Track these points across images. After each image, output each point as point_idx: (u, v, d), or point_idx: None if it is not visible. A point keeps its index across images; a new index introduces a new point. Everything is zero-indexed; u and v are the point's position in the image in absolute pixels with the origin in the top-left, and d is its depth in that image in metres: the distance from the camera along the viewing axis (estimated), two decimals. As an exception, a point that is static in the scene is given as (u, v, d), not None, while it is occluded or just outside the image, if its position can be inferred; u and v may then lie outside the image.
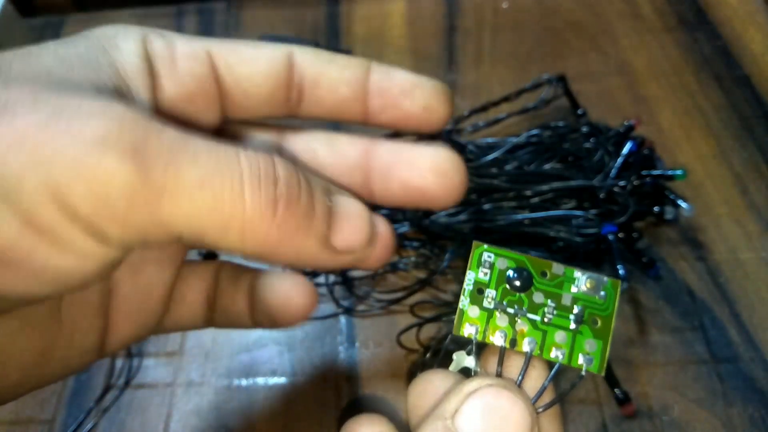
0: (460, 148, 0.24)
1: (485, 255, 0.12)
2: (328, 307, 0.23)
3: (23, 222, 0.08)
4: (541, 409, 0.11)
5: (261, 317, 0.14)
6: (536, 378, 0.11)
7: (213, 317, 0.14)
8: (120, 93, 0.10)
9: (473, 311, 0.12)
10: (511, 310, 0.12)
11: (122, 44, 0.11)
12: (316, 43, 0.31)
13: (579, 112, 0.27)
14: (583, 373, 0.11)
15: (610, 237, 0.21)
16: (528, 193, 0.23)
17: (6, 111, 0.08)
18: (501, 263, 0.12)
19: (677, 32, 0.31)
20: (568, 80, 0.27)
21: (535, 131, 0.24)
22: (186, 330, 0.15)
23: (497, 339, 0.11)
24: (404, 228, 0.23)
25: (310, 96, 0.13)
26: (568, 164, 0.24)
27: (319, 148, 0.14)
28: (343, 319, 0.23)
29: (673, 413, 0.20)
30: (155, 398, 0.22)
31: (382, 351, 0.22)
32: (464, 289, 0.12)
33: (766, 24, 0.31)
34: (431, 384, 0.12)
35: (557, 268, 0.12)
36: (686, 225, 0.25)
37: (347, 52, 0.31)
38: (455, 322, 0.12)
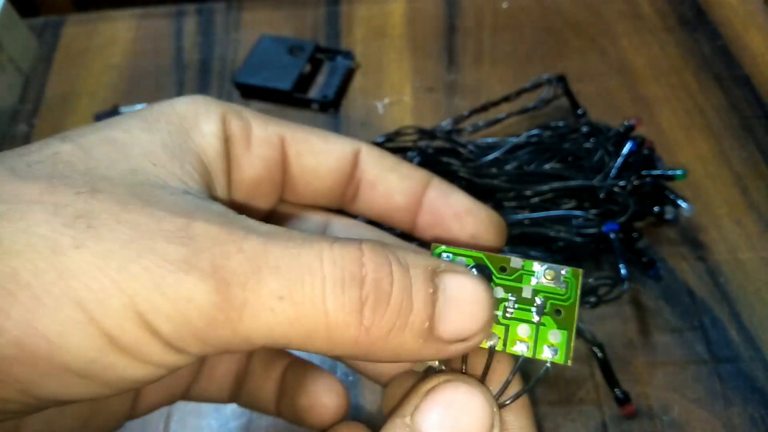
0: (460, 147, 0.24)
1: (444, 255, 0.12)
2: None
3: (105, 341, 0.09)
4: (508, 401, 0.11)
5: (286, 410, 0.13)
6: (501, 372, 0.11)
7: (239, 396, 0.14)
8: (203, 183, 0.11)
9: None
10: None
11: (204, 126, 0.11)
12: (316, 44, 0.31)
13: (579, 112, 0.27)
14: (549, 364, 0.11)
15: (612, 235, 0.21)
16: (528, 193, 0.23)
17: (91, 226, 0.09)
18: (460, 261, 0.12)
19: (677, 32, 0.31)
20: (568, 80, 0.27)
21: (535, 131, 0.24)
22: (210, 402, 0.15)
23: None
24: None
25: (365, 195, 0.13)
26: (568, 164, 0.24)
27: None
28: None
29: (673, 413, 0.20)
30: (155, 398, 0.22)
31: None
32: None
33: (766, 24, 0.31)
34: (404, 388, 0.12)
35: (515, 262, 0.12)
36: (686, 225, 0.25)
37: (348, 53, 0.31)
38: None
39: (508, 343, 0.11)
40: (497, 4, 0.34)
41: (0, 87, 0.31)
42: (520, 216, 0.22)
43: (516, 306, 0.11)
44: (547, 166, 0.23)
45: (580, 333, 0.21)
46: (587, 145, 0.23)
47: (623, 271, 0.20)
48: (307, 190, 0.13)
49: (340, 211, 0.14)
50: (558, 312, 0.11)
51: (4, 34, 0.31)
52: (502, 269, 0.12)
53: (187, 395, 0.14)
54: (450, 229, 0.13)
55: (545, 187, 0.22)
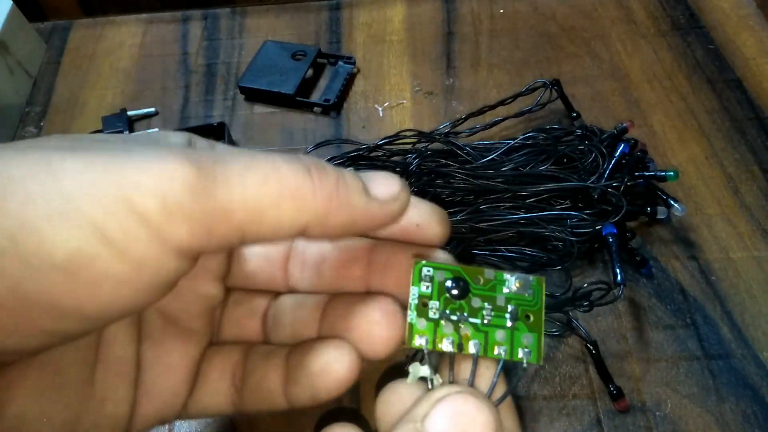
0: (458, 150, 0.25)
1: (425, 270, 0.13)
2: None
3: (92, 231, 0.09)
4: (496, 403, 0.12)
5: (298, 391, 0.13)
6: (489, 377, 0.12)
7: (242, 399, 0.14)
8: None
9: (421, 323, 0.12)
10: (454, 317, 0.12)
11: (172, 137, 0.12)
12: (318, 49, 0.32)
13: (573, 115, 0.28)
14: (525, 365, 0.12)
15: (610, 239, 0.21)
16: (524, 193, 0.23)
17: (80, 147, 0.10)
18: (439, 275, 0.13)
19: (670, 36, 0.32)
20: (563, 84, 0.28)
21: (530, 134, 0.25)
22: (213, 416, 0.15)
23: (446, 345, 0.12)
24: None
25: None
26: (562, 166, 0.24)
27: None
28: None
29: (666, 408, 0.21)
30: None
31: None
32: (410, 303, 0.12)
33: (758, 28, 0.32)
34: (398, 394, 0.12)
35: (488, 273, 0.13)
36: (678, 225, 0.25)
37: (349, 58, 0.32)
38: (405, 335, 0.12)
39: (488, 348, 0.12)
40: (494, 10, 0.34)
41: (8, 90, 0.31)
42: (516, 216, 0.23)
43: (492, 314, 0.13)
44: (542, 168, 0.24)
45: (574, 331, 0.22)
46: (581, 147, 0.24)
47: (619, 277, 0.20)
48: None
49: None
50: (528, 317, 0.13)
51: (12, 38, 0.32)
52: (477, 280, 0.13)
53: (186, 411, 0.14)
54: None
55: (540, 188, 0.23)
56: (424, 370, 0.12)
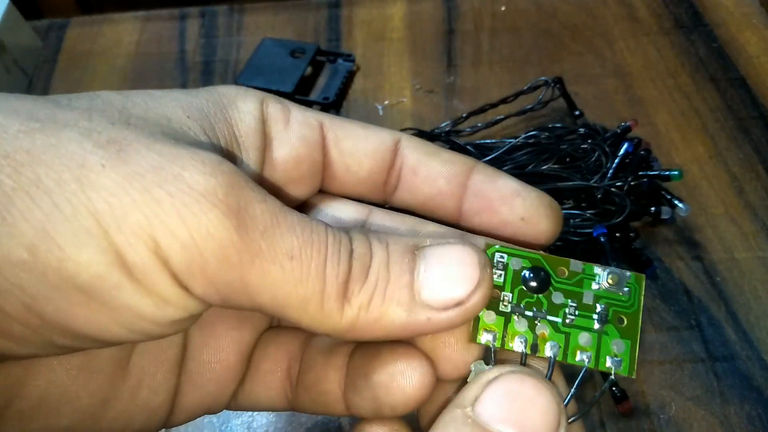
0: (459, 149, 0.24)
1: (498, 255, 0.11)
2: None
3: (114, 258, 0.08)
4: (572, 419, 0.10)
5: (359, 400, 0.11)
6: (560, 386, 0.11)
7: (296, 395, 0.12)
8: (231, 152, 0.11)
9: (489, 317, 0.11)
10: (529, 313, 0.11)
11: (241, 104, 0.11)
12: (317, 46, 0.32)
13: (576, 113, 0.27)
14: (613, 376, 0.11)
15: (602, 239, 0.21)
16: (526, 193, 0.23)
17: (122, 150, 0.09)
18: (515, 263, 0.11)
19: (673, 34, 0.32)
20: (566, 82, 0.27)
21: (532, 132, 0.25)
22: (265, 410, 0.13)
23: (517, 345, 0.11)
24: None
25: (406, 183, 0.13)
26: (565, 165, 0.24)
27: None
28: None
29: (670, 411, 0.21)
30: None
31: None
32: None
33: (761, 26, 0.32)
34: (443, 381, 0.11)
35: (575, 265, 0.11)
36: (683, 225, 0.25)
37: (348, 56, 0.32)
38: (470, 329, 0.11)
39: (568, 352, 0.11)
40: (495, 8, 0.34)
41: (4, 89, 0.31)
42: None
43: (576, 313, 0.11)
44: (544, 167, 0.23)
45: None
46: (584, 146, 0.24)
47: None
48: (347, 177, 0.12)
49: (380, 206, 0.13)
50: (621, 320, 0.11)
51: (8, 36, 0.31)
52: (561, 272, 0.11)
53: (236, 401, 0.13)
54: (498, 213, 0.12)
55: (543, 188, 0.23)
56: (488, 371, 0.11)
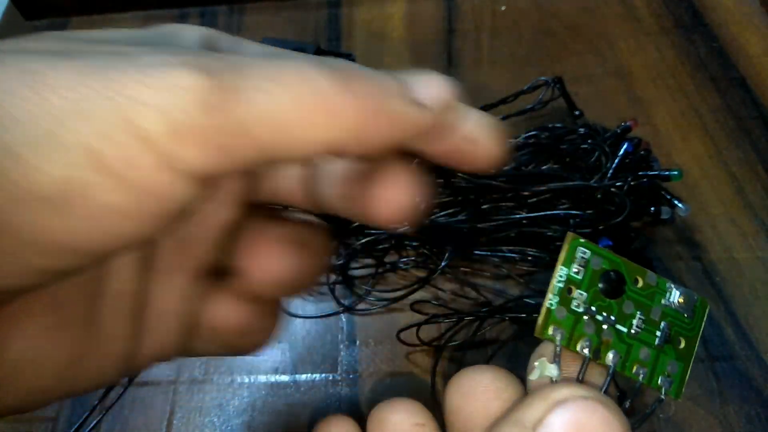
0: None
1: (580, 250, 0.10)
2: (328, 306, 0.23)
3: (84, 156, 0.08)
4: None
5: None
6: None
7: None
8: None
9: (560, 312, 0.10)
10: (599, 317, 0.10)
11: (187, 34, 0.11)
12: (318, 46, 0.32)
13: (576, 113, 0.27)
14: (663, 396, 0.11)
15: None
16: (526, 193, 0.23)
17: (69, 54, 0.08)
18: (595, 262, 0.11)
19: (673, 34, 0.32)
20: (566, 82, 0.27)
21: (532, 132, 0.25)
22: (222, 353, 0.13)
23: (581, 347, 0.10)
24: (404, 228, 0.23)
25: None
26: (565, 165, 0.24)
27: None
28: (343, 317, 0.24)
29: (669, 411, 0.21)
30: (158, 395, 0.22)
31: (383, 349, 0.23)
32: (554, 285, 0.10)
33: (762, 26, 0.32)
34: (478, 383, 0.11)
35: (651, 277, 0.11)
36: (682, 225, 0.25)
37: (348, 55, 0.32)
38: (539, 321, 0.10)
39: (627, 364, 0.10)
40: (495, 7, 0.34)
41: (5, 89, 0.31)
42: (518, 216, 0.22)
43: (643, 326, 0.11)
44: (544, 167, 0.23)
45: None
46: (584, 146, 0.24)
47: None
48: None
49: None
50: (679, 341, 0.11)
51: (8, 36, 0.31)
52: (635, 281, 0.11)
53: (192, 347, 0.12)
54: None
55: (543, 188, 0.23)
56: (552, 370, 0.10)
